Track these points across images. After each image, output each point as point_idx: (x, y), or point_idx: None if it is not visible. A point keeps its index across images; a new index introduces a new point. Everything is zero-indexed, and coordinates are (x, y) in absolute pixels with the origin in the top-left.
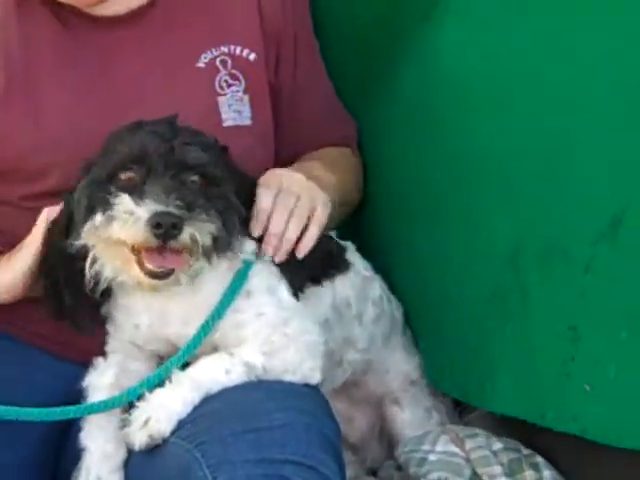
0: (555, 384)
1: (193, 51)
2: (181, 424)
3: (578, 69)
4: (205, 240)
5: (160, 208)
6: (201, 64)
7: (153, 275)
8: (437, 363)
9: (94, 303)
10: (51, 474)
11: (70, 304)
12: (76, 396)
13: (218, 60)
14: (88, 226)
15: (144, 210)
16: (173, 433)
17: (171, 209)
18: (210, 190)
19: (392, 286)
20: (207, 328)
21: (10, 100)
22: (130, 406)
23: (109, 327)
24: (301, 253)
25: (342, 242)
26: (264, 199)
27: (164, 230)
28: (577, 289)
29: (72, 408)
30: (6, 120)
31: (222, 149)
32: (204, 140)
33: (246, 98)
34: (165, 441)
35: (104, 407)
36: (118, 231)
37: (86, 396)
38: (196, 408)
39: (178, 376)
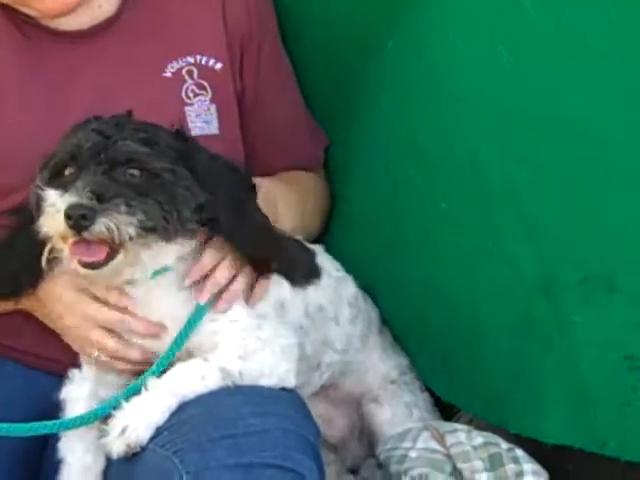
0: (616, 413)
1: (159, 61)
2: (158, 431)
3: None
4: (127, 231)
5: (73, 200)
6: (168, 74)
7: (85, 265)
8: (467, 387)
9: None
10: None
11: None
12: (53, 409)
13: (184, 70)
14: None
15: (61, 203)
16: (151, 440)
17: (83, 201)
18: (150, 183)
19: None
20: (177, 347)
21: None
22: (108, 415)
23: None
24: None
25: (311, 245)
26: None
27: (73, 221)
28: (628, 318)
29: (49, 424)
30: None
31: (186, 142)
32: (152, 134)
33: (213, 108)
34: (143, 449)
35: (82, 421)
36: (44, 224)
37: (63, 408)
38: (173, 415)
39: (154, 384)
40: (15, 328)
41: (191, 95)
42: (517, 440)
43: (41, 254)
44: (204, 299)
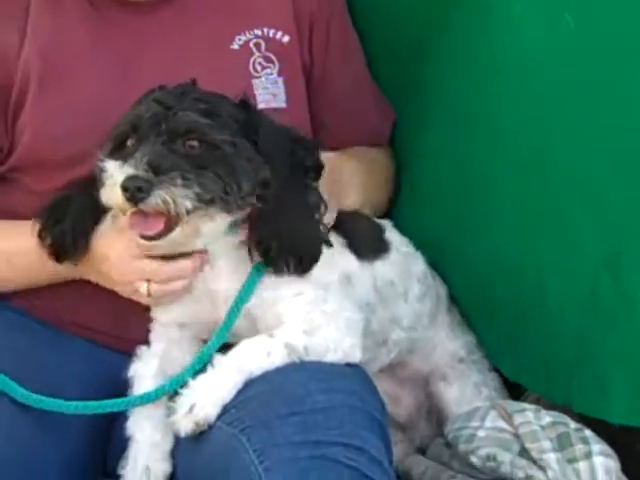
0: None
1: (227, 34)
2: (225, 409)
3: None
4: (184, 203)
5: (129, 172)
6: (235, 46)
7: (143, 237)
8: (532, 366)
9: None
10: (98, 462)
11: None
12: (121, 386)
13: (252, 43)
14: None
15: (119, 174)
16: (218, 418)
17: (139, 173)
18: (210, 154)
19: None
20: (234, 312)
21: (46, 87)
22: (175, 393)
23: (153, 312)
24: None
25: (379, 221)
26: None
27: (130, 193)
28: None
29: (117, 401)
30: (42, 107)
31: (250, 113)
32: (213, 105)
33: (280, 81)
34: (210, 427)
35: (149, 399)
36: (104, 195)
37: (132, 386)
38: (239, 392)
39: (220, 361)
40: (77, 303)
41: (258, 68)
42: (585, 420)
43: (99, 219)
44: None
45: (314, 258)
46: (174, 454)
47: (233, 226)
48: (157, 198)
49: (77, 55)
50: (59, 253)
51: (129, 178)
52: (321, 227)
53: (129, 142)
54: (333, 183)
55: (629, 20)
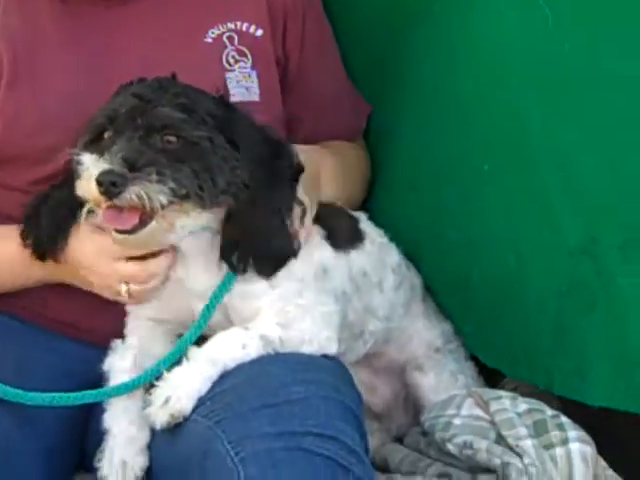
0: None
1: (200, 27)
2: (201, 401)
3: None
4: (158, 199)
5: (104, 167)
6: (209, 39)
7: (118, 231)
8: (511, 351)
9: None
10: (77, 455)
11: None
12: (96, 379)
13: (225, 36)
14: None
15: (94, 168)
16: (194, 411)
17: (114, 167)
18: (186, 150)
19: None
20: (211, 307)
21: (16, 81)
22: (151, 386)
23: (128, 306)
24: None
25: (354, 213)
26: None
27: (104, 188)
28: None
29: (93, 392)
30: (13, 101)
31: (228, 109)
32: (192, 101)
33: (254, 74)
34: (186, 419)
35: (124, 389)
36: (80, 188)
37: (107, 379)
38: (215, 385)
39: (195, 353)
40: (46, 295)
41: (232, 61)
42: (564, 407)
43: (76, 213)
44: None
45: (278, 264)
46: (150, 447)
47: (205, 227)
48: (131, 193)
49: (47, 49)
50: (40, 251)
51: (104, 173)
52: (288, 236)
53: (106, 135)
54: (308, 176)
55: (608, 10)
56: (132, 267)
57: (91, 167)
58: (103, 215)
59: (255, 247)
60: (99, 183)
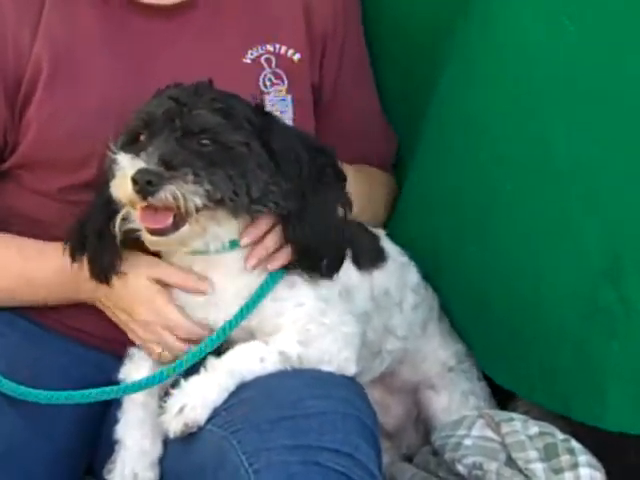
0: None
1: (241, 46)
2: (216, 412)
3: None
4: (194, 200)
5: (140, 165)
6: (247, 60)
7: (152, 232)
8: (528, 374)
9: (116, 250)
10: (86, 459)
11: (94, 247)
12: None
13: (263, 58)
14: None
15: (130, 167)
16: (208, 421)
17: (150, 166)
18: (222, 154)
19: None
20: (237, 319)
21: (55, 84)
22: (165, 394)
23: None
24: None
25: (374, 230)
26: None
27: (139, 186)
28: None
29: (106, 390)
30: (50, 104)
31: (265, 116)
32: (229, 105)
33: (289, 98)
34: (200, 429)
35: (139, 387)
36: (114, 188)
37: None
38: (231, 395)
39: (213, 363)
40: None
41: (268, 84)
42: (574, 432)
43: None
44: (251, 264)
45: (341, 260)
46: (163, 457)
47: (234, 243)
48: (167, 192)
49: (88, 55)
50: (98, 272)
51: (140, 171)
52: (344, 229)
53: (142, 137)
54: None
55: (631, 26)
56: (176, 316)
57: (127, 166)
58: (138, 215)
59: (323, 250)
60: (134, 181)
